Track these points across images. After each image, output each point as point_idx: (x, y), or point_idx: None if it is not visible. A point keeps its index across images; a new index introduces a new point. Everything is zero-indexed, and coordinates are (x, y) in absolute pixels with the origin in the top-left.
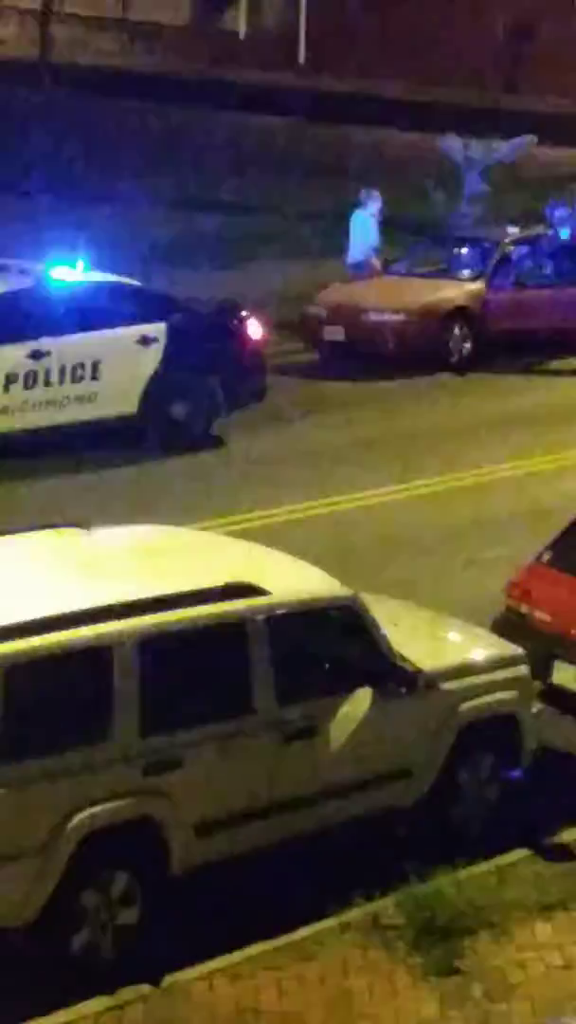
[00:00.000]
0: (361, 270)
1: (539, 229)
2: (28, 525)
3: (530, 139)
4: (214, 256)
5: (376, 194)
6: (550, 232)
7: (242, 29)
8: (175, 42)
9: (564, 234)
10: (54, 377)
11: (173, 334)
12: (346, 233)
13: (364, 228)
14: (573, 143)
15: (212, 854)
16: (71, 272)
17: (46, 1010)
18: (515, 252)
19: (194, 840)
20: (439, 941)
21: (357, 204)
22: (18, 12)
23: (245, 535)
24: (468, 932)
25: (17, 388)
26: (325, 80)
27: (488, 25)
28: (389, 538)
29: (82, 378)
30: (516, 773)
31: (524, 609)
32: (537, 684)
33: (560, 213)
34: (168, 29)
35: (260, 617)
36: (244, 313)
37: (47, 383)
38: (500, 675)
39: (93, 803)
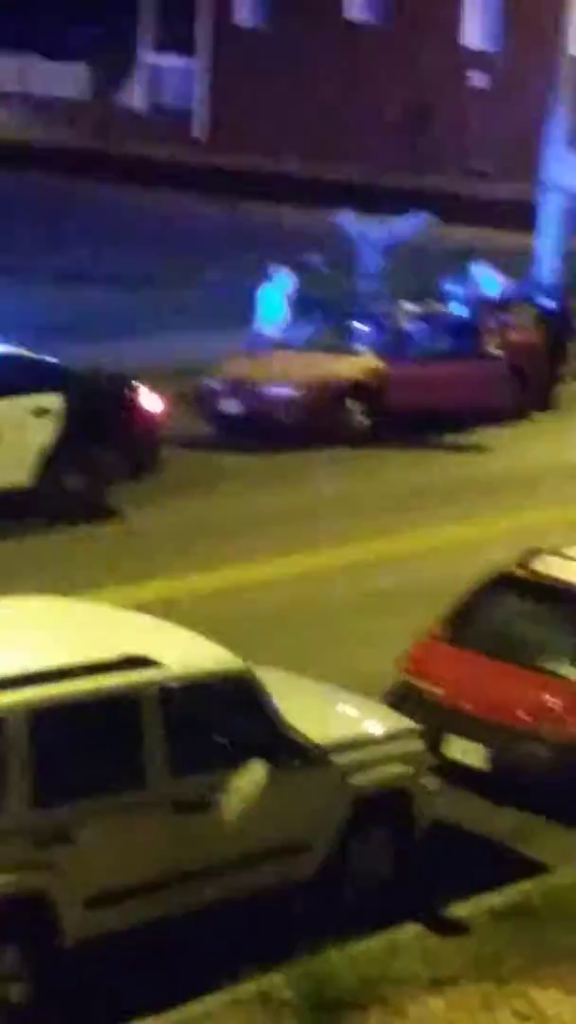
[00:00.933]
0: (258, 344)
1: (436, 306)
2: None
3: (430, 218)
4: (108, 329)
5: (288, 272)
6: (447, 309)
7: (140, 104)
8: (73, 116)
9: (461, 311)
10: None
11: (68, 405)
12: (246, 307)
13: (272, 305)
14: (470, 221)
15: (104, 927)
16: None
17: None
18: (412, 328)
19: (86, 913)
20: (329, 1016)
21: (267, 280)
22: None
23: (138, 607)
24: (359, 1007)
25: None
26: (222, 156)
27: (388, 104)
28: (282, 610)
29: None
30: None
31: (416, 683)
32: (430, 758)
33: (456, 290)
34: (66, 103)
35: (153, 689)
36: (137, 385)
37: None
38: (394, 748)
39: None
